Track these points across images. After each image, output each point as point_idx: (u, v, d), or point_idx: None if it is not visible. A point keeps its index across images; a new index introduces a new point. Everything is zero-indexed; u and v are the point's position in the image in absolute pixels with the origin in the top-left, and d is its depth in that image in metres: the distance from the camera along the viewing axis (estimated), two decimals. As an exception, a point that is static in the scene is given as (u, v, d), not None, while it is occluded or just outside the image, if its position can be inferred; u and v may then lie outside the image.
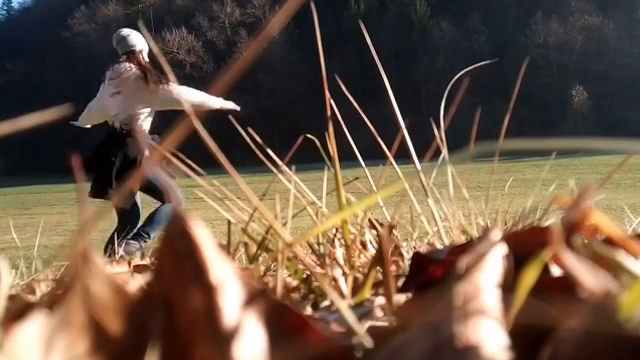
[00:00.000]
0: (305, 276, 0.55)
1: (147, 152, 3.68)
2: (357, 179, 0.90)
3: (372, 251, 0.63)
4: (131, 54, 3.95)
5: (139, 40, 4.00)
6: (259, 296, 0.28)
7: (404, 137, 0.81)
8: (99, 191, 3.68)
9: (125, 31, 4.09)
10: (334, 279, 0.52)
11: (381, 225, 0.68)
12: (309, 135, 0.93)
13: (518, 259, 0.32)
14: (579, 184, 0.61)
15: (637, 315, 0.24)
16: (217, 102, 3.92)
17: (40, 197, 23.23)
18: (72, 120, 4.34)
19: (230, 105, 3.99)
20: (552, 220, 0.73)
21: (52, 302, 0.26)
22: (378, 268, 0.47)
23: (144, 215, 4.02)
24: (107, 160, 3.69)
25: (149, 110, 3.87)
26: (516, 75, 0.97)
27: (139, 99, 3.81)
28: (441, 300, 0.26)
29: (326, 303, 0.50)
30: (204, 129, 0.41)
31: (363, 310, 0.42)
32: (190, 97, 3.87)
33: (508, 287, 0.29)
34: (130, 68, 3.87)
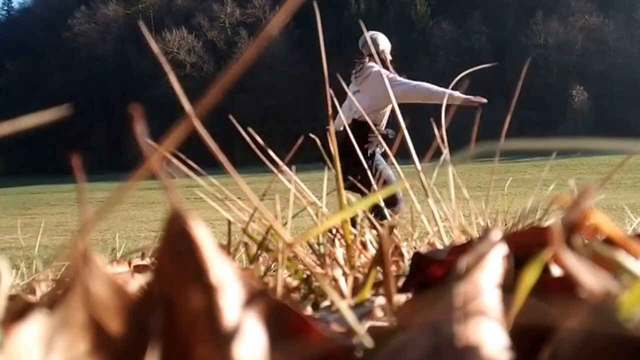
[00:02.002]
0: (305, 276, 0.55)
1: (379, 148, 3.99)
2: (357, 178, 0.90)
3: (372, 251, 0.63)
4: (374, 55, 4.18)
5: (382, 41, 4.23)
6: (259, 296, 0.28)
7: (404, 137, 0.81)
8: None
9: (372, 33, 4.29)
10: (334, 279, 0.52)
11: (381, 225, 0.68)
12: (309, 135, 0.93)
13: (518, 259, 0.32)
14: (579, 184, 0.61)
15: (637, 315, 0.24)
16: (443, 95, 3.98)
17: (40, 197, 23.23)
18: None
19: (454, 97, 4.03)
20: (552, 220, 0.73)
21: (52, 302, 0.26)
22: (378, 268, 0.47)
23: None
24: (346, 153, 3.75)
25: (385, 106, 4.12)
26: (516, 75, 0.97)
27: (378, 97, 4.05)
28: (441, 300, 0.26)
29: (326, 303, 0.50)
30: (204, 129, 0.41)
31: (363, 310, 0.42)
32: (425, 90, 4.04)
33: (508, 287, 0.29)
34: (371, 67, 4.11)
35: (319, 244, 0.63)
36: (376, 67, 4.10)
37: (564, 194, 0.43)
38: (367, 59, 4.15)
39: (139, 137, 0.28)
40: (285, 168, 0.78)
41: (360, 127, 3.93)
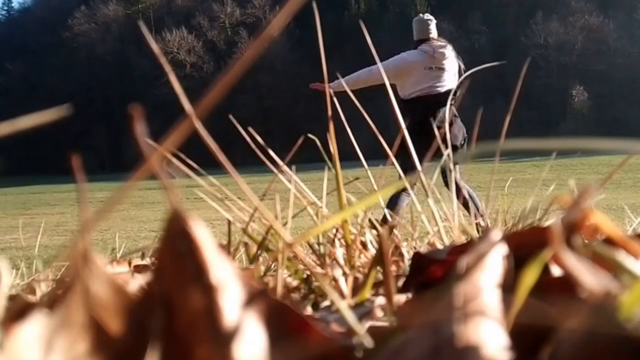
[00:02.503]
0: (305, 276, 0.55)
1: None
2: (357, 178, 0.90)
3: (372, 251, 0.63)
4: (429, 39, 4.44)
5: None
6: (259, 296, 0.28)
7: (403, 137, 0.81)
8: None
9: (428, 16, 4.60)
10: (334, 279, 0.52)
11: (381, 225, 0.68)
12: (309, 135, 0.93)
13: (518, 259, 0.32)
14: (579, 184, 0.61)
15: (637, 315, 0.24)
16: None
17: (40, 197, 23.20)
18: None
19: None
20: (552, 220, 0.73)
21: (52, 302, 0.26)
22: (378, 268, 0.47)
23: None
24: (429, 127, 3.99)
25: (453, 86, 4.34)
26: (516, 75, 0.97)
27: (454, 75, 4.32)
28: (441, 300, 0.26)
29: (326, 303, 0.50)
30: (204, 129, 0.41)
31: (363, 310, 0.41)
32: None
33: (508, 287, 0.29)
34: (450, 48, 4.38)
35: (319, 244, 0.63)
36: (451, 49, 4.39)
37: (564, 194, 0.43)
38: (436, 39, 4.40)
39: (139, 137, 0.28)
40: (285, 168, 0.78)
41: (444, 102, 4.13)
